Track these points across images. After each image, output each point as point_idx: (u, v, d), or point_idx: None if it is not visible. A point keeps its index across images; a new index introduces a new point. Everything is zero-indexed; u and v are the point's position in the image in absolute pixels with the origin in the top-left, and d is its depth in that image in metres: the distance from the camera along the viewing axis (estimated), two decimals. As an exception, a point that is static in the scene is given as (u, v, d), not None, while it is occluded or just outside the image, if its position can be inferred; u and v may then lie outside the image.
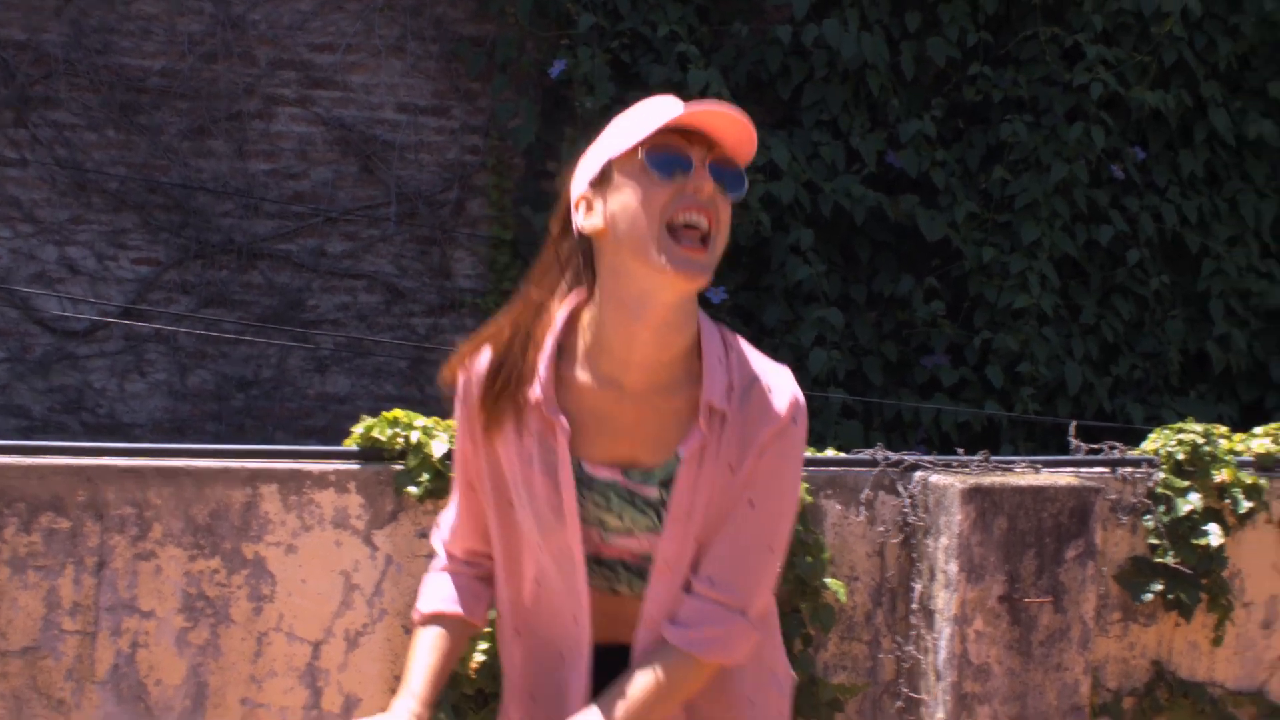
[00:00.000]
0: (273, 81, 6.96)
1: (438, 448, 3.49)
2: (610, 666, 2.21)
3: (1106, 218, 7.41)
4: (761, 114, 7.36)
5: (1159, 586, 4.08)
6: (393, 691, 3.43)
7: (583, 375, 2.18)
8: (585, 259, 2.18)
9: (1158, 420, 7.39)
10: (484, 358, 2.22)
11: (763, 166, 6.96)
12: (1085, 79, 7.18)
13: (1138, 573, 4.11)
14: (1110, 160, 7.46)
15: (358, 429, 3.57)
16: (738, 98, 7.02)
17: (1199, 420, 7.58)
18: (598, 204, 2.12)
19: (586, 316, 2.18)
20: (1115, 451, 4.22)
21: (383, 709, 3.32)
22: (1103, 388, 7.42)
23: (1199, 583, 4.08)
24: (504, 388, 2.18)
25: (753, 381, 2.20)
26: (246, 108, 6.93)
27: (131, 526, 3.37)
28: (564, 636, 2.25)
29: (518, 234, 7.21)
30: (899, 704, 3.88)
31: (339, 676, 3.50)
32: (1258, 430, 4.40)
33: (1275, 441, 4.32)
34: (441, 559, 2.40)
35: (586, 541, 2.18)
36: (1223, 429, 4.31)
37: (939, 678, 3.78)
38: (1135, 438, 7.39)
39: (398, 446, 3.53)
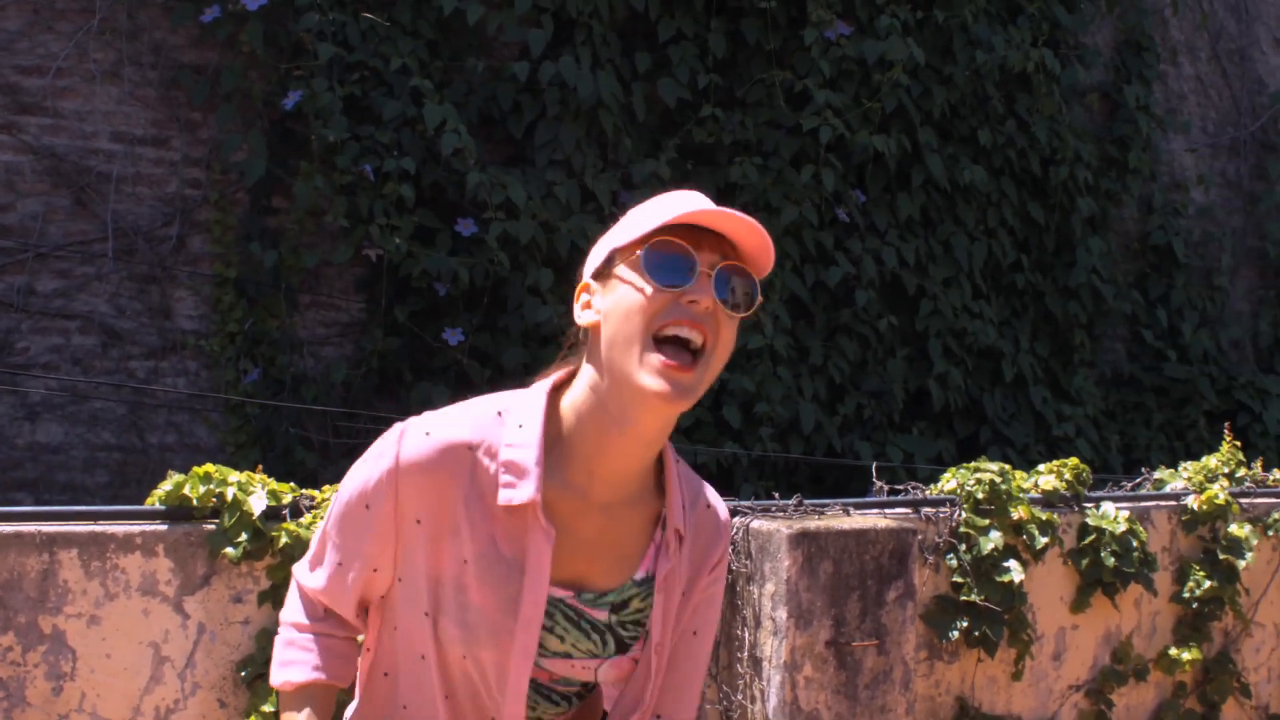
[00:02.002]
0: (-25, 106, 6.42)
1: (256, 504, 3.22)
2: None
3: (833, 259, 7.57)
4: (494, 151, 7.23)
5: (964, 624, 4.13)
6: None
7: (548, 477, 1.93)
8: (579, 347, 1.99)
9: (884, 457, 7.60)
10: (455, 432, 1.92)
11: (500, 205, 6.81)
12: (814, 123, 7.32)
13: (943, 611, 4.14)
14: (835, 203, 7.63)
15: (164, 486, 3.26)
16: (471, 134, 6.88)
17: (920, 455, 7.88)
18: (597, 297, 1.92)
19: (564, 410, 1.95)
20: (918, 492, 4.26)
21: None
22: (832, 426, 7.56)
23: (1002, 619, 4.15)
24: (476, 481, 1.91)
25: (696, 499, 2.08)
26: (-55, 134, 6.37)
27: (-90, 602, 2.98)
28: None
29: (242, 272, 6.84)
30: (727, 755, 3.79)
31: (148, 759, 3.17)
32: (1042, 468, 4.52)
33: (1059, 478, 4.44)
34: (297, 612, 2.11)
35: None
36: (1006, 466, 4.41)
37: (769, 726, 3.71)
38: (865, 476, 7.58)
39: (210, 505, 3.24)
